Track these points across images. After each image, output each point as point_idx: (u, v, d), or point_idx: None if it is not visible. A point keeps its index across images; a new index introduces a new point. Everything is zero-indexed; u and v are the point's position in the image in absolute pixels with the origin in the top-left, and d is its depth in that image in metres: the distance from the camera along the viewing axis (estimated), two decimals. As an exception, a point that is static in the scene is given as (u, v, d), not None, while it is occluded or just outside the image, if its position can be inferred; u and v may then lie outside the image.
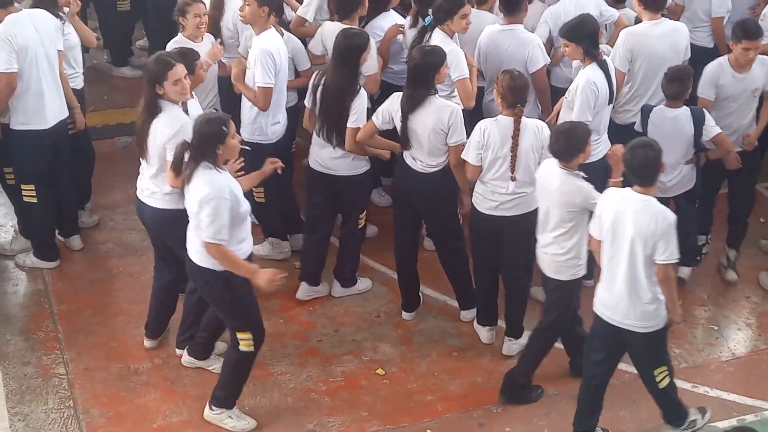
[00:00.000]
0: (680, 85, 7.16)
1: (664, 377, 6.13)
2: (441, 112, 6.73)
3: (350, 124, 7.04)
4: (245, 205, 6.07)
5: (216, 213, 5.86)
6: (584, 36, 7.08)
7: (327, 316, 7.49)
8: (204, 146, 5.94)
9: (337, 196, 7.39)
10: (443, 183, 6.94)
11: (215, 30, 8.06)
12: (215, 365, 6.80)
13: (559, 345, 7.09)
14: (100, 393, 6.75)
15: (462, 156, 6.74)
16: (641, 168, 5.78)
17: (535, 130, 6.64)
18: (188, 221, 6.14)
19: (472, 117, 7.93)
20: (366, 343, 7.23)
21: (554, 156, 6.30)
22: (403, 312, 7.50)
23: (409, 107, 6.77)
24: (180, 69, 6.41)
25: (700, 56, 8.10)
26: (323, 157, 7.28)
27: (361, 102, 7.05)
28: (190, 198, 6.01)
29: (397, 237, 7.38)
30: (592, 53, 7.09)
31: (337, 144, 7.14)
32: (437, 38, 7.44)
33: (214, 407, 6.48)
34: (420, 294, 7.58)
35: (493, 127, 6.63)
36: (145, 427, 6.50)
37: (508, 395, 6.74)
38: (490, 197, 6.75)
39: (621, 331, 5.96)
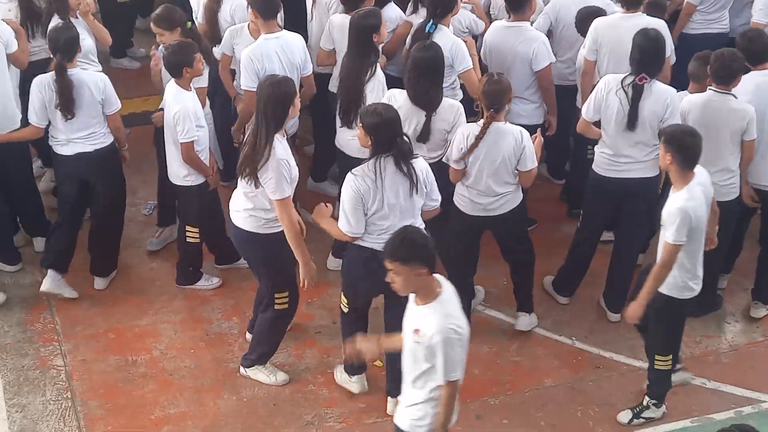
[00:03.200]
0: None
1: None
2: (447, 112, 6.76)
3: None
4: None
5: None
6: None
7: (325, 308, 7.47)
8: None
9: None
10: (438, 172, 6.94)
11: (213, 21, 8.06)
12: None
13: (554, 335, 7.14)
14: (97, 384, 6.76)
15: (444, 160, 6.78)
16: None
17: (516, 135, 6.59)
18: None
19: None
20: (364, 335, 7.22)
21: (715, 80, 6.80)
22: None
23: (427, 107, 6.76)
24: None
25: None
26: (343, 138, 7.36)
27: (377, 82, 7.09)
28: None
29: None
30: None
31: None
32: (441, 36, 7.38)
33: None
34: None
35: (475, 131, 6.59)
36: (143, 418, 6.50)
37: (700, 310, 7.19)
38: (476, 200, 6.75)
39: None
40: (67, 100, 7.06)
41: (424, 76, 6.75)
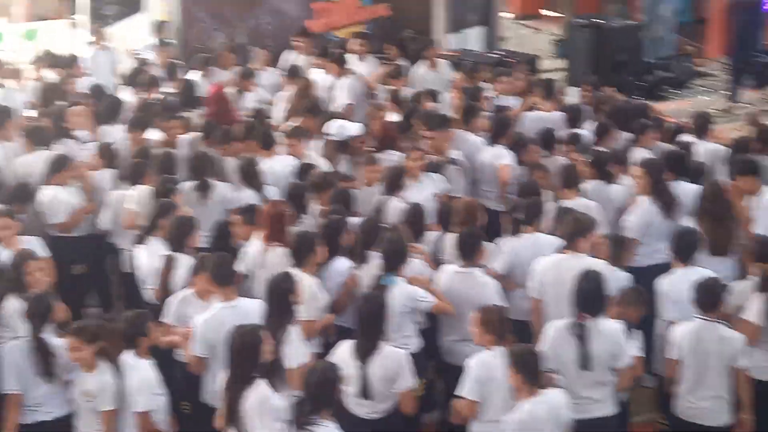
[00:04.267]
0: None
1: None
2: (386, 360, 6.84)
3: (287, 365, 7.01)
4: None
5: None
6: None
7: None
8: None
9: None
10: (391, 428, 6.95)
11: (165, 285, 8.16)
12: None
13: None
14: None
15: (457, 392, 6.78)
16: None
17: None
18: None
19: (428, 354, 7.98)
20: None
21: (699, 307, 7.05)
22: None
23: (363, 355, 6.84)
24: None
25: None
26: None
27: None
28: None
29: None
30: None
31: None
32: (397, 286, 7.58)
33: None
34: None
35: (494, 362, 6.69)
36: None
37: None
38: None
39: None
40: (46, 365, 7.07)
41: (363, 327, 6.93)
